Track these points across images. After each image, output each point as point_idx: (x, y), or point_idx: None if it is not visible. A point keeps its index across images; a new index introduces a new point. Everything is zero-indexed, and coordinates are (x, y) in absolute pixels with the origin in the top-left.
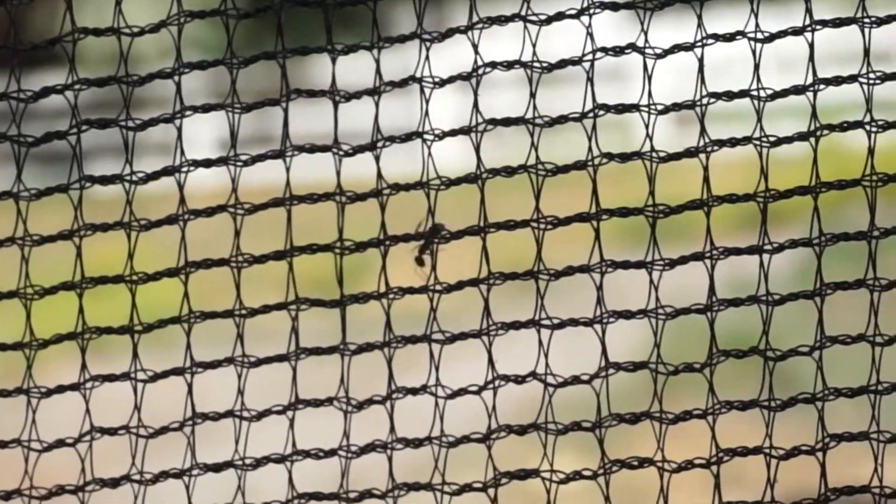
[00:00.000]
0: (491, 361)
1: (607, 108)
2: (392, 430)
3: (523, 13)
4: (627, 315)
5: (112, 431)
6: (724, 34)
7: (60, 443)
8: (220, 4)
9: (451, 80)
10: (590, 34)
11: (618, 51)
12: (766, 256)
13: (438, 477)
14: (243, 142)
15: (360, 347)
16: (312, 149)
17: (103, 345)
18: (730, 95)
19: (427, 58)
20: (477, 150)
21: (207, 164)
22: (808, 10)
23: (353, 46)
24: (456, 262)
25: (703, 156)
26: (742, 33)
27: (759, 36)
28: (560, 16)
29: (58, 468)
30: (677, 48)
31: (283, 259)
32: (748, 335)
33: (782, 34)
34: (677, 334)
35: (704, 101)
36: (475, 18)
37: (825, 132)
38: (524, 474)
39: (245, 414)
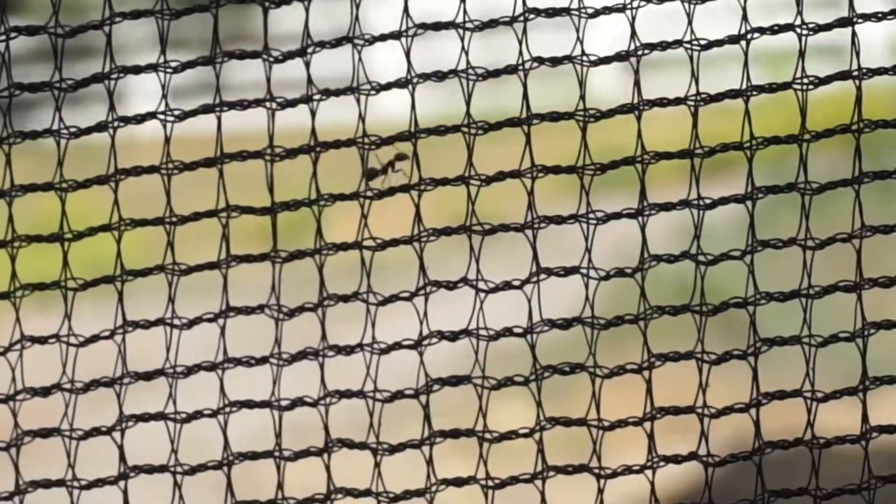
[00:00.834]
0: (423, 319)
1: (541, 60)
2: (322, 383)
3: None
4: (560, 273)
5: (44, 392)
6: None
7: None
8: None
9: (382, 38)
10: None
11: (551, 12)
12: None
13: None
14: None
15: (292, 310)
16: (244, 104)
17: (48, 300)
18: (663, 46)
19: (357, 17)
20: (412, 106)
21: (139, 120)
22: None
23: None
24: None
25: (636, 113)
26: None
27: None
28: None
29: None
30: (607, 10)
31: (214, 217)
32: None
33: None
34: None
35: (639, 52)
36: None
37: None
38: (458, 433)
39: (174, 371)
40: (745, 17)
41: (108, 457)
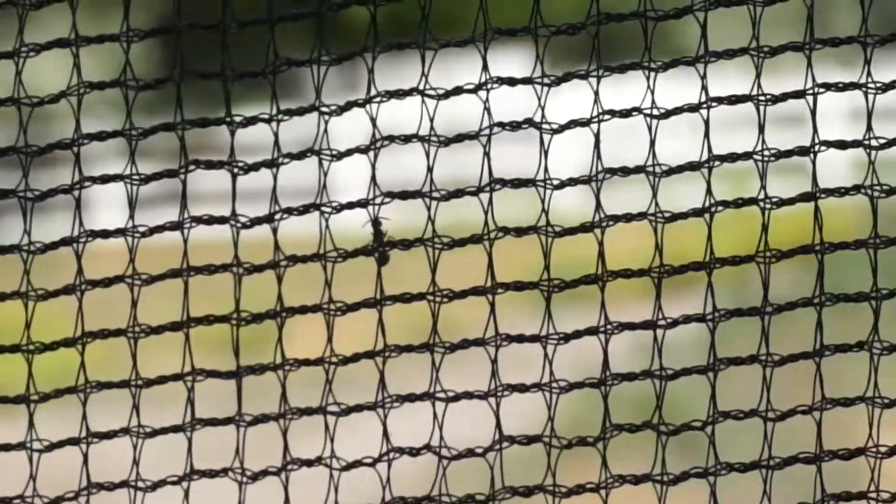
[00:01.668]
0: (385, 434)
1: (504, 182)
2: (287, 500)
3: (421, 87)
4: (522, 388)
5: (6, 501)
6: (621, 110)
7: None
8: (120, 75)
9: (349, 152)
10: (487, 109)
11: (514, 126)
12: (661, 331)
13: None
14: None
15: (256, 419)
16: (210, 220)
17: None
18: (625, 171)
19: (325, 131)
20: (374, 222)
21: (105, 234)
22: (704, 88)
23: (252, 119)
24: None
25: (598, 230)
26: (638, 109)
27: (655, 112)
28: (458, 90)
29: None
30: (573, 123)
31: (179, 330)
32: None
33: (678, 111)
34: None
35: (600, 176)
36: (373, 91)
37: (719, 209)
38: None
39: (140, 484)
40: (708, 146)
41: None
